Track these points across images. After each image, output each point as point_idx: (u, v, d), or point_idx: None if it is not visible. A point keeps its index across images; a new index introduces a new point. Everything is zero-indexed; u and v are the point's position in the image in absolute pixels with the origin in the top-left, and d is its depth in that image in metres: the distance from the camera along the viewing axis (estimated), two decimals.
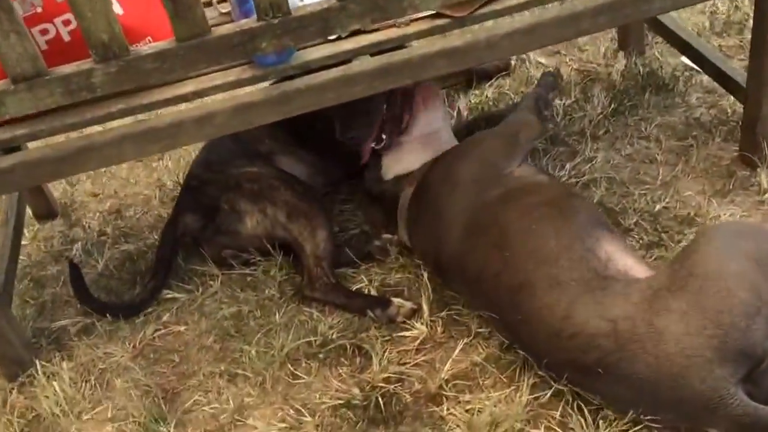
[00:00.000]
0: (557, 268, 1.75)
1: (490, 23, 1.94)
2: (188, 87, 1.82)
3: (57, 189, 2.85)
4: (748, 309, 1.53)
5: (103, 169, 2.90)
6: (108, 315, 2.26)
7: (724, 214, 2.22)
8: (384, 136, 2.28)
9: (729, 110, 2.55)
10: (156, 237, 2.50)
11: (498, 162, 2.09)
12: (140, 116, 1.87)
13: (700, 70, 2.70)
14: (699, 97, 2.67)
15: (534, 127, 2.26)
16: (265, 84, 1.91)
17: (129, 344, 2.21)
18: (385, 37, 1.89)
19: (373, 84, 1.89)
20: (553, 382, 1.82)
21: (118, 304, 2.31)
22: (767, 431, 1.52)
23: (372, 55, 1.91)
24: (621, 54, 2.91)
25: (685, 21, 2.98)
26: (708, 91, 2.68)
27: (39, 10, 1.82)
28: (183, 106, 1.88)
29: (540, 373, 1.87)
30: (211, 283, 2.34)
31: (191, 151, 2.88)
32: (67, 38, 1.84)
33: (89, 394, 2.08)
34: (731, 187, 2.31)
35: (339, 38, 1.89)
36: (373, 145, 2.30)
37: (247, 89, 1.86)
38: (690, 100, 2.67)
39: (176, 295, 2.31)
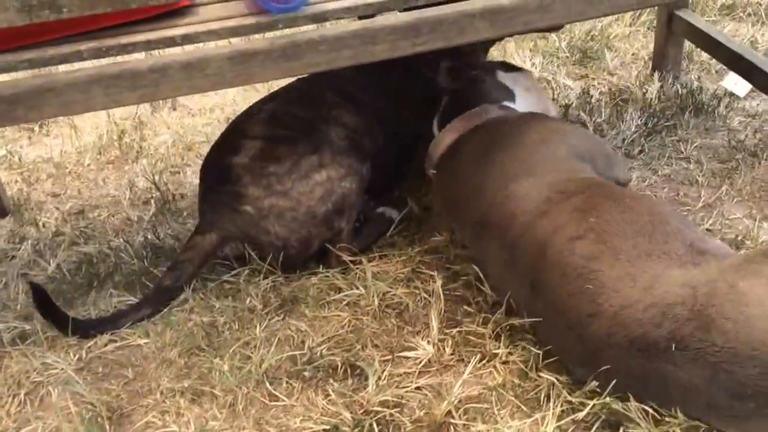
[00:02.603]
0: (651, 242, 1.51)
1: None
2: (177, 30, 1.51)
3: (11, 187, 2.51)
4: None
5: (67, 167, 2.57)
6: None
7: None
8: None
9: None
10: (123, 240, 2.15)
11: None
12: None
13: (741, 94, 2.47)
14: (741, 120, 2.42)
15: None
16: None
17: (74, 355, 1.83)
18: None
19: (398, 44, 1.60)
20: (588, 401, 1.48)
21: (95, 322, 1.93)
22: None
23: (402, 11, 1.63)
24: (656, 77, 2.66)
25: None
26: (751, 115, 2.43)
27: None
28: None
29: (570, 399, 1.53)
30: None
31: (171, 156, 2.59)
32: None
33: (15, 412, 1.70)
34: None
35: None
36: None
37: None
38: (732, 124, 2.41)
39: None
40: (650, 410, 1.48)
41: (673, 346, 1.38)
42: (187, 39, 1.52)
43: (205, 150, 2.55)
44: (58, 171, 2.58)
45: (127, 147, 2.66)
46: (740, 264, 1.43)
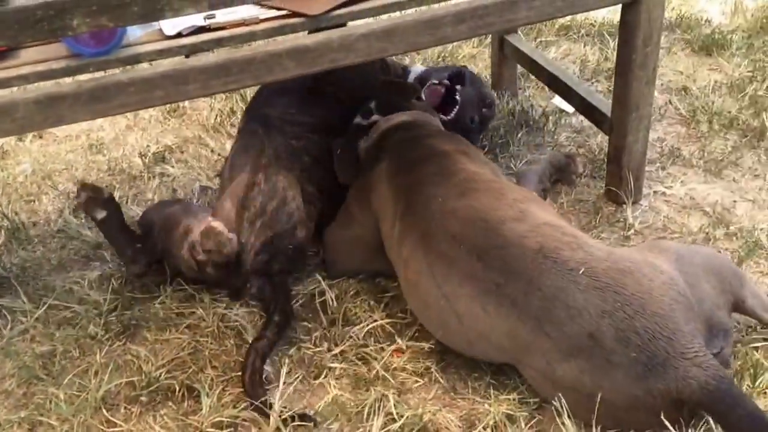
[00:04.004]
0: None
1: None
2: None
3: None
4: (713, 298, 1.57)
5: None
6: None
7: None
8: None
9: (596, 148, 2.50)
10: None
11: None
12: None
13: (569, 111, 2.67)
14: (568, 136, 2.61)
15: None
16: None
17: None
18: (230, 35, 1.70)
19: (210, 83, 1.67)
20: (406, 407, 1.60)
21: None
22: (735, 401, 1.41)
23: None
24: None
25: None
26: (576, 131, 2.63)
27: None
28: None
29: (392, 411, 1.65)
30: (23, 319, 2.00)
31: (28, 185, 2.57)
32: None
33: None
34: (597, 222, 2.22)
35: (179, 35, 1.69)
36: None
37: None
38: (559, 139, 2.60)
39: None
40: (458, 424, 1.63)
41: (582, 270, 1.51)
42: None
43: (64, 178, 2.58)
44: None
45: None
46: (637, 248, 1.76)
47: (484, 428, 1.62)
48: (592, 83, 2.91)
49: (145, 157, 2.68)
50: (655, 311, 1.45)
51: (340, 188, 2.13)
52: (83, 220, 2.36)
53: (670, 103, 2.69)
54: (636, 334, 1.44)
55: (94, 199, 2.03)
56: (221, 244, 1.86)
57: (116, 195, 2.40)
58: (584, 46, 3.09)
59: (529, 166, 2.37)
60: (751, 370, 1.65)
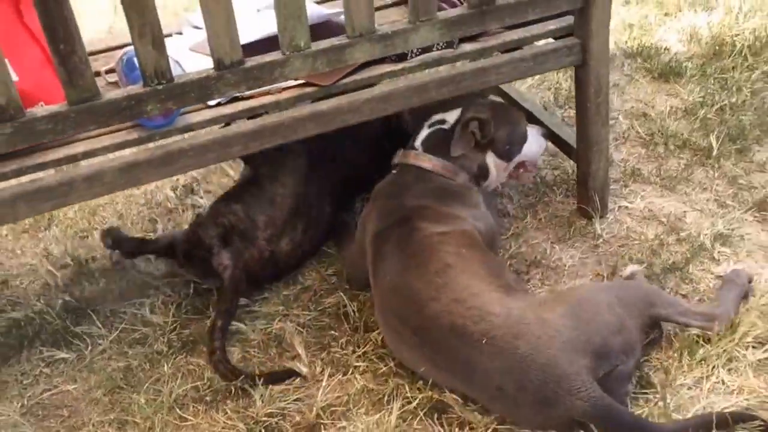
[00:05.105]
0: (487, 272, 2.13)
1: None
2: (79, 147, 1.99)
3: None
4: (611, 327, 1.94)
5: None
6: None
7: (566, 257, 2.54)
8: None
9: (570, 170, 2.91)
10: (44, 304, 2.58)
11: None
12: (32, 176, 2.01)
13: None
14: (545, 159, 3.03)
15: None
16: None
17: (17, 403, 2.27)
18: (260, 104, 2.14)
19: (248, 144, 2.12)
20: (418, 391, 2.07)
21: None
22: (612, 417, 1.84)
23: (249, 118, 2.14)
24: None
25: (534, 96, 3.40)
26: (552, 155, 3.05)
27: None
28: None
29: (408, 395, 2.08)
30: (100, 342, 2.44)
31: (78, 221, 3.01)
32: None
33: None
34: (571, 234, 2.64)
35: (219, 104, 2.13)
36: None
37: (135, 149, 2.05)
38: (537, 163, 3.02)
39: (64, 355, 2.40)
40: (459, 399, 2.06)
41: (484, 340, 1.93)
42: (86, 155, 2.00)
43: (108, 213, 3.02)
44: None
45: (39, 215, 3.06)
46: (543, 302, 2.10)
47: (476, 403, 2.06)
48: (565, 109, 3.33)
49: (176, 190, 3.11)
50: (544, 363, 1.86)
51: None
52: None
53: (632, 127, 3.12)
54: (531, 382, 1.87)
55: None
56: None
57: (158, 227, 2.88)
58: (557, 74, 3.52)
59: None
60: (689, 348, 2.09)
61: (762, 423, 1.85)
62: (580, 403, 1.82)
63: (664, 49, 3.66)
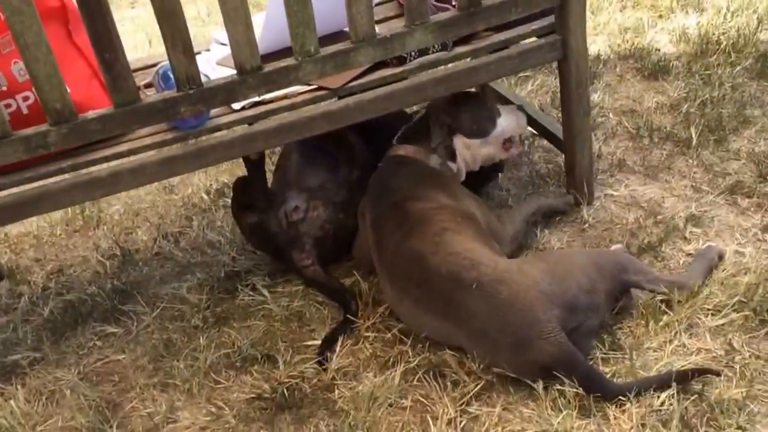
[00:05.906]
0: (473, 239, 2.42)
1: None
2: (124, 146, 2.34)
3: (2, 257, 3.27)
4: (583, 286, 2.22)
5: (44, 238, 3.35)
6: None
7: (554, 239, 2.83)
8: None
9: (561, 163, 3.20)
10: (96, 287, 2.94)
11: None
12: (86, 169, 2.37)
13: (538, 134, 3.38)
14: (540, 155, 3.33)
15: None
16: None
17: (75, 370, 2.62)
18: (278, 106, 2.47)
19: (270, 141, 2.46)
20: (418, 355, 2.38)
21: None
22: (574, 364, 2.12)
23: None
24: None
25: (532, 99, 3.70)
26: (546, 150, 3.34)
27: (4, 88, 2.32)
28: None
29: (411, 361, 2.39)
30: (144, 318, 2.79)
31: (123, 221, 3.38)
32: (25, 111, 2.34)
33: (42, 410, 2.48)
34: (560, 220, 2.93)
35: (243, 108, 2.47)
36: None
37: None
38: (533, 158, 3.32)
39: (113, 330, 2.75)
40: (455, 354, 2.36)
41: (474, 285, 2.23)
42: (131, 152, 2.35)
43: (150, 214, 3.38)
44: (38, 241, 3.34)
45: (88, 218, 3.44)
46: (525, 259, 2.48)
47: (473, 360, 2.35)
48: (560, 111, 3.61)
49: (210, 194, 3.46)
50: (520, 308, 2.13)
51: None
52: (172, 244, 3.15)
53: (621, 123, 3.41)
54: (509, 325, 2.16)
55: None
56: None
57: (194, 224, 3.22)
58: (555, 79, 3.81)
59: (518, 206, 2.96)
60: (654, 316, 2.37)
61: (712, 371, 2.12)
62: (549, 347, 2.11)
63: (655, 49, 3.94)
